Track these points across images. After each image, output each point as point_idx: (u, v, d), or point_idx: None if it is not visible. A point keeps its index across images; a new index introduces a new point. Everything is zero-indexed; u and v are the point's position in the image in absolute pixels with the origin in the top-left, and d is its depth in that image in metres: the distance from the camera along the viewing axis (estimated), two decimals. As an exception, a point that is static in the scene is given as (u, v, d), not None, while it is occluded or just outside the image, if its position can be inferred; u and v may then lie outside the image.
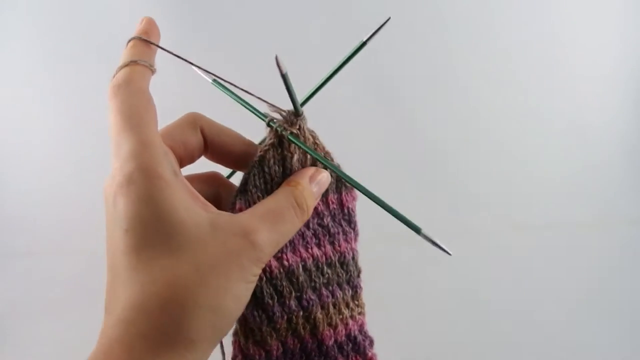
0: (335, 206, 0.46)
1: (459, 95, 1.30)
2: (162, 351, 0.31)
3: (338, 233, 0.46)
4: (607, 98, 1.40)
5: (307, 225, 0.44)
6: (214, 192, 0.45)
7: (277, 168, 0.43)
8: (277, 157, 0.43)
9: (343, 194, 0.47)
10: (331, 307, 0.43)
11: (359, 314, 0.45)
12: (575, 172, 1.33)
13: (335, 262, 0.45)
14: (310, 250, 0.44)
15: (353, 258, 0.47)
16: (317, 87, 0.46)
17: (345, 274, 0.45)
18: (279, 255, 0.42)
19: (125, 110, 0.37)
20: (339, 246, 0.46)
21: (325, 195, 0.46)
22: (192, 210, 0.35)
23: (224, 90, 0.45)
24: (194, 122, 0.42)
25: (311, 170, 0.43)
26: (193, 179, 0.44)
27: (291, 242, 0.43)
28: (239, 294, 0.35)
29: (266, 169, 0.43)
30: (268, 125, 0.43)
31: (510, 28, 1.35)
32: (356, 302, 0.46)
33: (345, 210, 0.47)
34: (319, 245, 0.45)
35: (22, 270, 1.24)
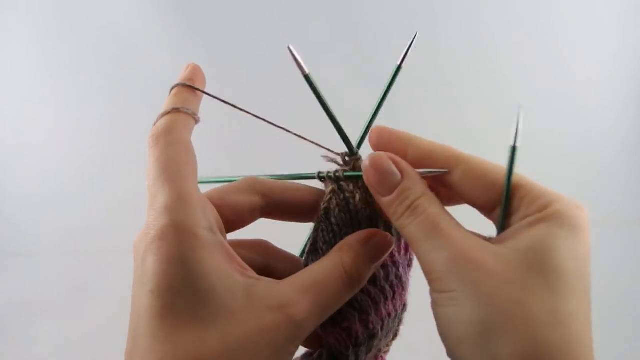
0: (404, 252, 0.43)
1: (459, 99, 1.30)
2: None
3: (406, 281, 0.43)
4: (608, 99, 1.40)
5: (386, 277, 0.41)
6: (263, 262, 0.41)
7: (343, 216, 0.39)
8: (341, 203, 0.39)
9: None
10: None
11: (385, 352, 0.45)
12: (576, 173, 1.33)
13: (399, 314, 0.43)
14: (388, 306, 0.41)
15: (405, 306, 0.44)
16: (367, 125, 0.42)
17: (397, 324, 0.44)
18: (365, 318, 0.39)
19: (163, 160, 0.34)
20: (405, 296, 0.43)
21: (398, 239, 0.41)
22: (226, 274, 0.32)
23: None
24: (252, 186, 0.39)
25: (367, 233, 0.39)
26: (238, 246, 0.40)
27: (374, 301, 0.40)
28: None
29: (333, 220, 0.39)
30: (319, 178, 0.40)
31: (511, 31, 1.35)
32: (388, 347, 0.45)
33: (409, 256, 0.43)
34: (393, 300, 0.42)
35: (22, 270, 1.24)
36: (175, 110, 0.37)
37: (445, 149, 0.39)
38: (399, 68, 0.42)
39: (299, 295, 0.33)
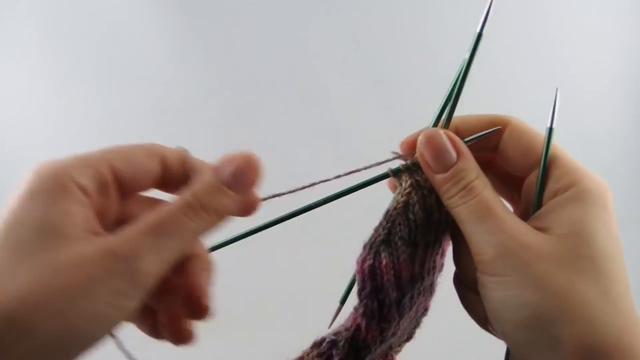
0: (440, 257, 0.42)
1: (460, 104, 1.30)
2: None
3: (435, 287, 0.43)
4: (608, 99, 1.40)
5: (428, 273, 0.40)
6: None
7: (421, 214, 0.38)
8: (419, 200, 0.38)
9: (445, 242, 0.42)
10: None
11: (396, 352, 0.45)
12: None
13: (418, 317, 0.43)
14: (411, 313, 0.41)
15: (426, 310, 0.44)
16: (449, 110, 0.40)
17: (414, 326, 0.44)
18: (400, 321, 0.39)
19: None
20: (429, 301, 0.43)
21: (443, 244, 0.41)
22: (67, 222, 0.30)
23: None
24: (155, 152, 0.37)
25: (215, 164, 0.35)
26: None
27: (411, 307, 0.40)
28: (82, 319, 0.29)
29: (411, 216, 0.38)
30: (392, 173, 0.39)
31: (511, 33, 1.35)
32: (400, 347, 0.45)
33: (443, 260, 0.43)
34: (419, 304, 0.42)
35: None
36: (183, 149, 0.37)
37: (492, 115, 0.40)
38: (479, 35, 0.43)
39: (131, 230, 0.31)
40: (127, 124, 1.20)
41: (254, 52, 1.26)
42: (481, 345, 0.38)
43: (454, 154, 0.37)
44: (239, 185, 0.35)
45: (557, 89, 0.39)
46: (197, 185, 0.34)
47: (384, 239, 0.38)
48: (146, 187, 0.37)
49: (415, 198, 0.38)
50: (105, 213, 0.35)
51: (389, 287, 0.38)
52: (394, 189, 0.41)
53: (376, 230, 0.39)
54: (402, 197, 0.38)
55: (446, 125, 0.40)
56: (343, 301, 0.41)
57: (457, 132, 0.39)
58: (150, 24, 1.30)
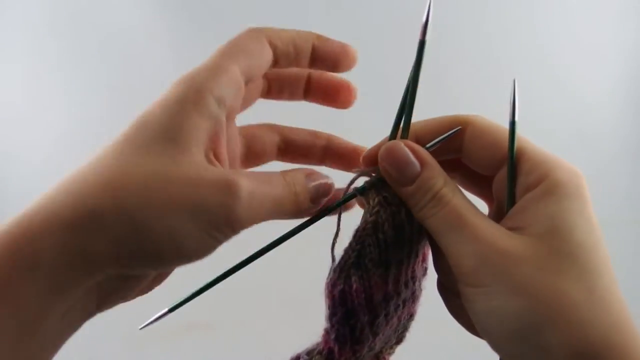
0: (421, 263, 0.41)
1: (457, 100, 1.30)
2: (76, 236, 0.29)
3: (419, 294, 0.42)
4: (607, 99, 1.40)
5: (406, 286, 0.40)
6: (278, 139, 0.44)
7: (391, 232, 0.36)
8: (389, 218, 0.36)
9: (425, 247, 0.41)
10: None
11: (388, 354, 0.44)
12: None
13: (403, 323, 0.43)
14: (393, 321, 0.40)
15: (412, 316, 0.43)
16: (404, 122, 0.39)
17: (402, 331, 0.43)
18: (376, 337, 0.38)
19: (237, 46, 0.37)
20: (414, 308, 0.42)
21: (421, 252, 0.40)
22: (193, 137, 0.32)
23: None
24: (271, 126, 0.43)
25: (308, 169, 0.38)
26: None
27: (387, 323, 0.39)
28: (178, 230, 0.31)
29: (380, 236, 0.36)
30: (359, 193, 0.38)
31: (509, 32, 1.35)
32: (393, 349, 0.44)
33: (425, 265, 0.42)
34: (401, 314, 0.41)
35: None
36: None
37: (452, 116, 0.39)
38: (422, 43, 0.40)
39: (244, 175, 0.33)
40: (128, 124, 1.20)
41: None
42: (481, 345, 0.38)
43: (417, 164, 0.35)
44: (314, 200, 0.37)
45: (514, 80, 0.37)
46: (296, 177, 0.36)
47: (354, 262, 0.36)
48: (265, 159, 0.42)
49: (384, 216, 0.36)
50: (233, 111, 0.37)
51: (360, 312, 0.36)
52: (362, 206, 0.39)
53: (346, 252, 0.37)
54: (370, 216, 0.37)
55: (405, 133, 0.38)
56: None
57: (418, 139, 0.38)
58: (150, 25, 1.30)
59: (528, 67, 1.35)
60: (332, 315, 0.37)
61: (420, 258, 0.41)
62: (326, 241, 0.40)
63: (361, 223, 0.37)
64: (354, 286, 0.36)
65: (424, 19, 0.38)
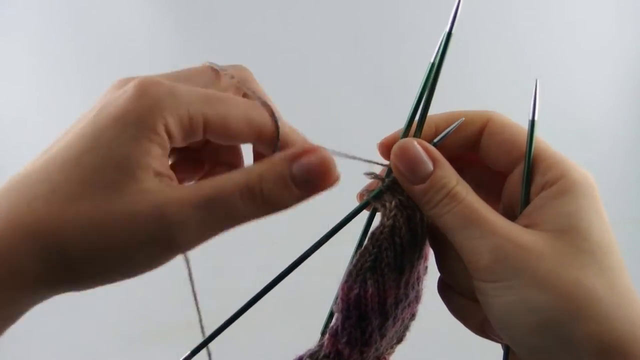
0: (425, 262, 0.41)
1: (457, 97, 1.30)
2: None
3: (421, 294, 0.42)
4: (607, 99, 1.40)
5: (413, 288, 0.39)
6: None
7: (408, 236, 0.36)
8: (406, 221, 0.36)
9: (426, 246, 0.40)
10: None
11: (388, 354, 0.44)
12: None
13: (405, 323, 0.42)
14: (397, 323, 0.40)
15: (414, 315, 0.43)
16: (420, 117, 0.38)
17: (403, 331, 0.43)
18: (383, 338, 0.38)
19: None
20: (416, 308, 0.42)
21: (425, 251, 0.39)
22: (143, 162, 0.31)
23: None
24: (256, 124, 0.36)
25: (301, 150, 0.34)
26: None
27: (394, 325, 0.39)
28: (116, 267, 0.31)
29: (397, 240, 0.36)
30: (375, 199, 0.37)
31: (509, 30, 1.35)
32: (393, 349, 0.44)
33: (426, 263, 0.41)
34: (405, 315, 0.40)
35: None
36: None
37: (473, 111, 0.39)
38: (449, 35, 0.40)
39: (187, 195, 0.31)
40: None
41: (254, 52, 1.26)
42: (480, 344, 0.38)
43: (429, 163, 0.35)
44: (306, 185, 0.34)
45: (536, 80, 0.37)
46: (266, 169, 0.33)
47: (371, 266, 0.36)
48: (230, 144, 0.38)
49: (401, 220, 0.36)
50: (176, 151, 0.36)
51: (373, 316, 0.36)
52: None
53: (362, 255, 0.36)
54: (388, 220, 0.36)
55: (418, 131, 0.38)
56: (324, 332, 0.39)
57: (438, 132, 0.38)
58: (150, 24, 1.30)
59: (528, 68, 1.35)
60: (345, 318, 0.37)
61: (423, 259, 0.41)
62: (327, 242, 0.39)
63: (378, 227, 0.37)
64: (370, 290, 0.36)
65: (453, 11, 0.39)
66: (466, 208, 0.34)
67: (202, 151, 0.41)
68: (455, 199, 0.34)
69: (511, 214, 0.37)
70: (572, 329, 0.31)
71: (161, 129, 0.32)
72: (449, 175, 0.35)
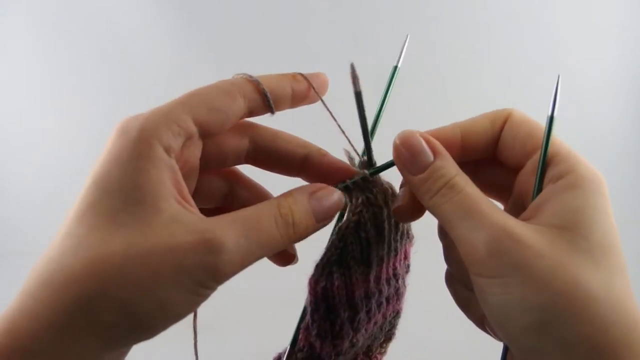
0: (403, 260, 0.42)
1: (457, 102, 1.30)
2: (66, 334, 0.28)
3: (403, 291, 0.42)
4: (608, 100, 1.40)
5: (388, 284, 0.40)
6: (226, 187, 0.41)
7: (373, 231, 0.38)
8: (372, 217, 0.37)
9: (407, 245, 0.41)
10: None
11: (380, 353, 0.44)
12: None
13: (389, 321, 0.43)
14: (377, 318, 0.40)
15: (398, 313, 0.44)
16: (372, 127, 0.41)
17: (389, 329, 0.43)
18: (356, 334, 0.39)
19: (199, 90, 0.35)
20: (399, 305, 0.43)
21: (402, 249, 0.41)
22: (161, 194, 0.31)
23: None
24: (243, 128, 0.39)
25: (314, 186, 0.37)
26: (206, 171, 0.40)
27: (369, 319, 0.39)
28: (165, 300, 0.30)
29: (362, 234, 0.37)
30: (343, 190, 0.38)
31: (511, 36, 1.35)
32: (384, 348, 0.44)
33: (407, 262, 0.43)
34: (385, 311, 0.41)
35: (22, 270, 1.24)
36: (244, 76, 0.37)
37: (494, 111, 0.39)
38: (396, 69, 0.42)
39: (226, 224, 0.32)
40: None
41: (254, 52, 1.26)
42: (479, 344, 0.38)
43: (430, 154, 0.35)
44: (322, 219, 0.36)
45: (558, 76, 0.38)
46: (293, 201, 0.35)
47: (337, 259, 0.37)
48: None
49: (366, 216, 0.37)
50: (188, 162, 0.36)
51: (341, 308, 0.37)
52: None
53: (328, 249, 0.38)
54: (353, 215, 0.37)
55: (372, 131, 0.40)
56: (294, 344, 0.40)
57: (465, 137, 0.38)
58: (150, 24, 1.30)
59: (528, 68, 1.35)
60: (314, 311, 0.38)
61: (402, 255, 0.41)
62: (324, 243, 0.40)
63: (344, 221, 0.38)
64: (336, 283, 0.37)
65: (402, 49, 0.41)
66: (464, 199, 0.34)
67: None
68: (454, 189, 0.34)
69: (521, 207, 0.37)
70: (566, 330, 0.30)
71: (159, 150, 0.32)
72: (449, 166, 0.35)
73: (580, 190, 0.33)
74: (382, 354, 0.44)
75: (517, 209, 0.38)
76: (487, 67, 1.35)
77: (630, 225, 1.31)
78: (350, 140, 0.40)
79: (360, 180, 0.38)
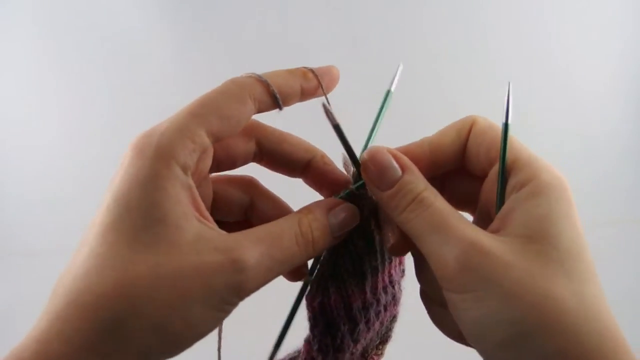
0: (398, 265, 0.42)
1: (457, 103, 1.30)
2: (98, 355, 0.29)
3: (399, 296, 0.43)
4: (608, 100, 1.40)
5: (385, 292, 0.40)
6: (247, 199, 0.41)
7: (361, 243, 0.38)
8: (356, 228, 0.38)
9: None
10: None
11: (376, 355, 0.44)
12: (577, 174, 1.33)
13: (386, 325, 0.43)
14: (375, 325, 0.40)
15: (395, 317, 0.44)
16: (363, 149, 0.41)
17: (385, 332, 0.43)
18: (356, 338, 0.39)
19: (204, 102, 0.35)
20: (395, 309, 0.43)
21: (392, 257, 0.41)
22: (182, 211, 0.31)
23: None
24: (251, 130, 0.39)
25: (331, 201, 0.38)
26: (224, 181, 0.40)
27: (368, 327, 0.39)
28: (194, 318, 0.31)
29: (351, 247, 0.38)
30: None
31: (511, 39, 1.35)
32: (380, 350, 0.44)
33: (402, 267, 0.43)
34: (383, 318, 0.41)
35: (22, 270, 1.24)
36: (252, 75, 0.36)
37: (460, 120, 0.39)
38: (389, 93, 0.41)
39: (249, 243, 0.32)
40: (128, 124, 1.20)
41: (254, 52, 1.26)
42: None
43: (398, 169, 0.35)
44: (338, 235, 0.37)
45: (509, 83, 0.37)
46: (313, 219, 0.36)
47: (331, 274, 0.38)
48: (235, 166, 0.39)
49: (355, 231, 0.38)
50: (202, 172, 0.36)
51: (340, 321, 0.37)
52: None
53: (321, 265, 0.38)
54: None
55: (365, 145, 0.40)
56: (271, 357, 0.40)
57: (434, 149, 0.38)
58: (152, 25, 1.30)
59: (528, 69, 1.35)
60: (313, 326, 0.38)
61: (397, 262, 0.41)
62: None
63: None
64: (332, 297, 0.37)
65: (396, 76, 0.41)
66: (433, 213, 0.34)
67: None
68: (423, 203, 0.34)
69: (487, 216, 0.37)
70: (540, 343, 0.30)
71: (177, 170, 0.32)
72: (417, 181, 0.35)
73: (544, 198, 0.33)
74: (379, 355, 0.44)
75: (484, 218, 0.37)
76: (486, 68, 1.35)
77: (631, 225, 1.31)
78: (350, 141, 0.40)
79: (345, 195, 0.38)
